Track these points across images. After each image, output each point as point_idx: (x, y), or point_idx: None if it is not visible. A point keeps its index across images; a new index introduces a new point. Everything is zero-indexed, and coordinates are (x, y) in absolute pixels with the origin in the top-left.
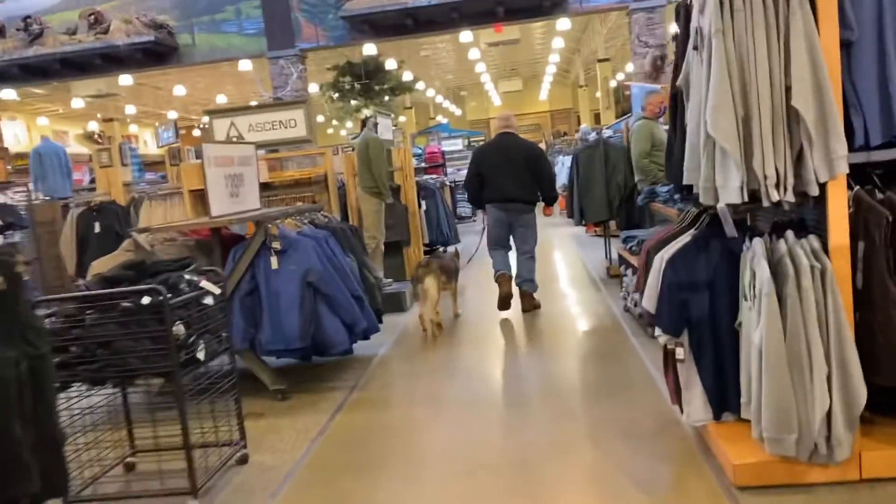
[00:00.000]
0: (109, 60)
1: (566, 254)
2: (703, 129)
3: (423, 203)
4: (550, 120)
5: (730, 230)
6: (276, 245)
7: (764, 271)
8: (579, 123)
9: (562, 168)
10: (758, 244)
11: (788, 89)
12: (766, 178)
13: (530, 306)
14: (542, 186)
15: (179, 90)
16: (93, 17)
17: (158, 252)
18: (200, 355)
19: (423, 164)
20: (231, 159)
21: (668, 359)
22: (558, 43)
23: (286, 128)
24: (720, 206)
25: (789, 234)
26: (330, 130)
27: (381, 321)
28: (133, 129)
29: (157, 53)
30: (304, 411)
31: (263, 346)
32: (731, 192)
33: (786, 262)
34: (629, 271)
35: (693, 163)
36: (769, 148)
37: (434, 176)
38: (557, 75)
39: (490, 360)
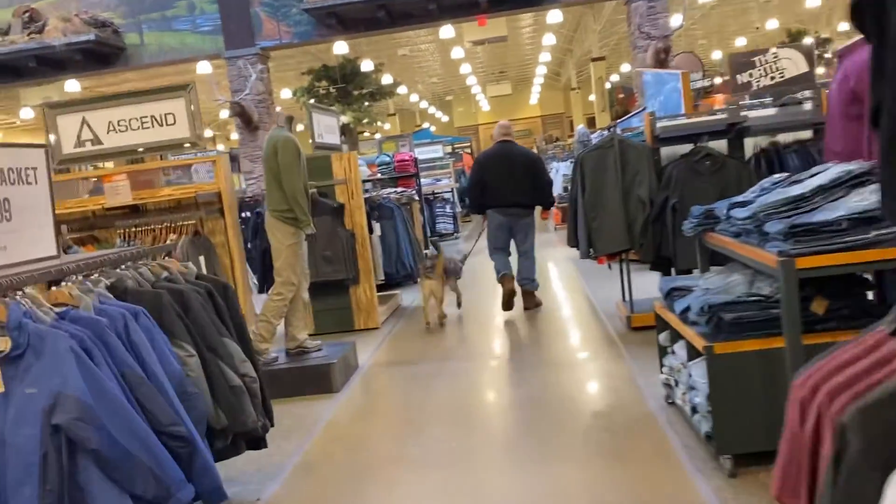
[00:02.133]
0: (46, 63)
1: (568, 291)
2: None
3: (378, 226)
4: (542, 125)
5: None
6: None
7: None
8: (572, 128)
9: (556, 175)
10: None
11: None
12: None
13: (532, 304)
14: (539, 192)
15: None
16: (27, 14)
17: None
18: None
19: (393, 175)
20: None
21: None
22: (549, 40)
23: (161, 125)
24: None
25: None
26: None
27: (271, 425)
28: None
29: (100, 55)
30: None
31: None
32: None
33: None
34: (676, 347)
35: None
36: None
37: (400, 189)
38: (548, 77)
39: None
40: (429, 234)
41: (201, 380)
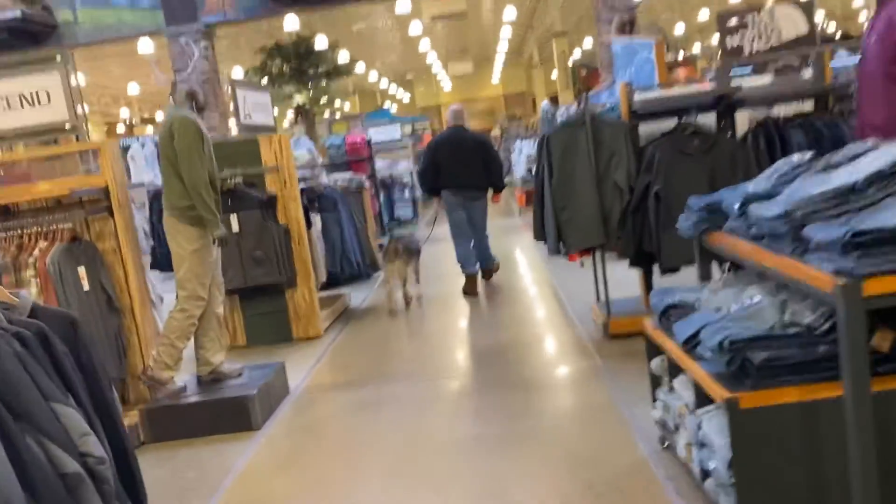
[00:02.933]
0: None
1: (537, 287)
2: None
3: (318, 219)
4: (504, 104)
5: None
6: None
7: None
8: (535, 107)
9: (519, 156)
10: None
11: None
12: None
13: (490, 276)
14: (491, 174)
15: (80, 80)
16: None
17: None
18: None
19: (344, 158)
20: None
21: None
22: (510, 14)
23: (32, 105)
24: None
25: None
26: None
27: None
28: None
29: (28, 33)
30: None
31: None
32: None
33: None
34: (676, 383)
35: None
36: None
37: (348, 176)
38: (510, 55)
39: None
40: (387, 220)
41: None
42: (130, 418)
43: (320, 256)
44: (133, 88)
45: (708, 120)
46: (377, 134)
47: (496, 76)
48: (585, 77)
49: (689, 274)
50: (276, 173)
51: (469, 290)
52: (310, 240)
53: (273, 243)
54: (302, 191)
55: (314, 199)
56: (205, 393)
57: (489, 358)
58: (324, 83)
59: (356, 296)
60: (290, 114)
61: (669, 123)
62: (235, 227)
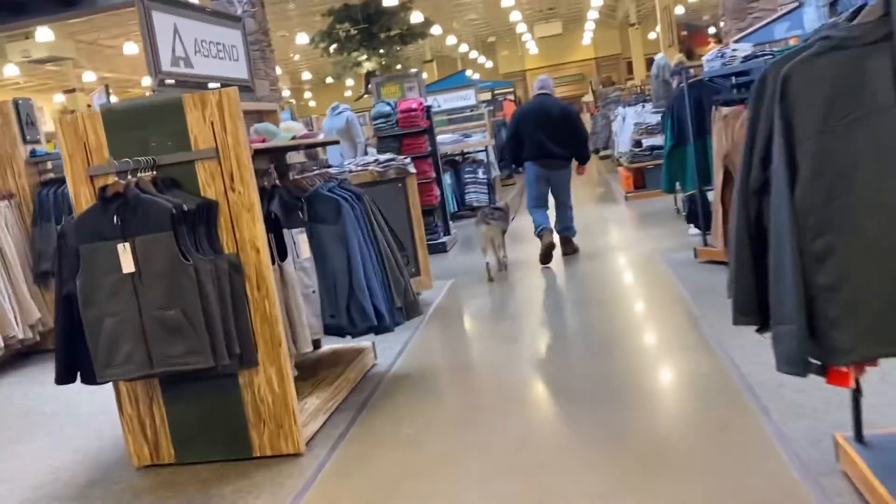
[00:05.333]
0: (4, 7)
1: (682, 353)
2: None
3: (304, 241)
4: (596, 68)
5: None
6: None
7: None
8: (630, 71)
9: (622, 124)
10: None
11: None
12: None
13: (571, 250)
14: (576, 145)
15: (132, 48)
16: None
17: None
18: None
19: (394, 131)
20: None
21: None
22: None
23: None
24: None
25: None
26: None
27: None
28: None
29: None
30: None
31: None
32: None
33: None
34: None
35: None
36: None
37: (385, 158)
38: (603, 13)
39: None
40: (454, 208)
41: None
42: None
43: (302, 308)
44: None
45: None
46: (447, 101)
47: (587, 38)
48: (685, 37)
49: None
50: (217, 163)
51: (546, 255)
52: (283, 279)
53: (200, 294)
54: (267, 191)
55: (293, 205)
56: None
57: None
58: (397, 48)
59: (388, 346)
60: (352, 81)
61: None
62: (129, 266)
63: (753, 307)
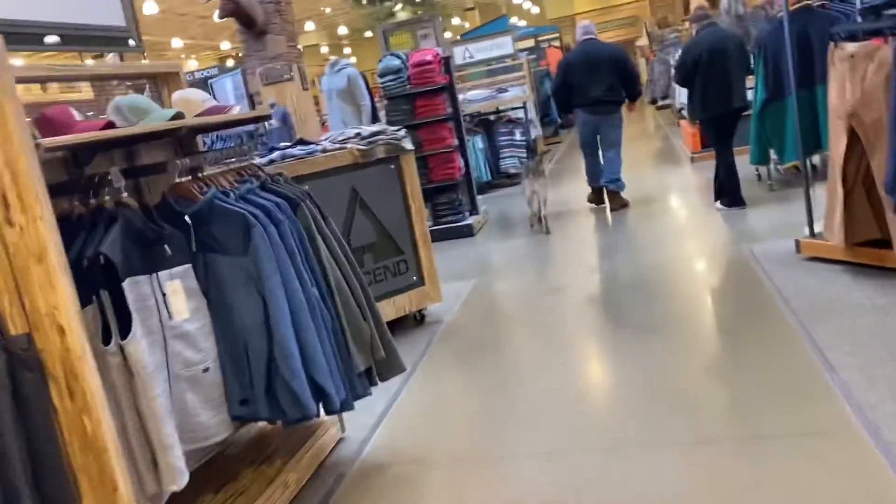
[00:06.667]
0: None
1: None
2: None
3: (187, 303)
4: (650, 9)
5: None
6: None
7: None
8: (687, 10)
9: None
10: None
11: None
12: None
13: (619, 205)
14: (628, 84)
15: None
16: None
17: None
18: None
19: (407, 89)
20: None
21: None
22: None
23: None
24: None
25: None
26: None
27: None
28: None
29: None
30: None
31: None
32: None
33: None
34: None
35: None
36: None
37: (369, 131)
38: None
39: None
40: (487, 177)
41: None
42: None
43: (162, 416)
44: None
45: None
46: (480, 51)
47: None
48: None
49: None
50: None
51: (594, 200)
52: (128, 369)
53: None
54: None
55: (155, 235)
56: None
57: None
58: None
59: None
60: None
61: None
62: None
63: None
